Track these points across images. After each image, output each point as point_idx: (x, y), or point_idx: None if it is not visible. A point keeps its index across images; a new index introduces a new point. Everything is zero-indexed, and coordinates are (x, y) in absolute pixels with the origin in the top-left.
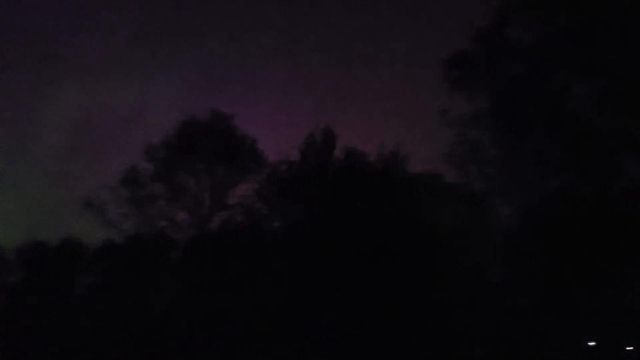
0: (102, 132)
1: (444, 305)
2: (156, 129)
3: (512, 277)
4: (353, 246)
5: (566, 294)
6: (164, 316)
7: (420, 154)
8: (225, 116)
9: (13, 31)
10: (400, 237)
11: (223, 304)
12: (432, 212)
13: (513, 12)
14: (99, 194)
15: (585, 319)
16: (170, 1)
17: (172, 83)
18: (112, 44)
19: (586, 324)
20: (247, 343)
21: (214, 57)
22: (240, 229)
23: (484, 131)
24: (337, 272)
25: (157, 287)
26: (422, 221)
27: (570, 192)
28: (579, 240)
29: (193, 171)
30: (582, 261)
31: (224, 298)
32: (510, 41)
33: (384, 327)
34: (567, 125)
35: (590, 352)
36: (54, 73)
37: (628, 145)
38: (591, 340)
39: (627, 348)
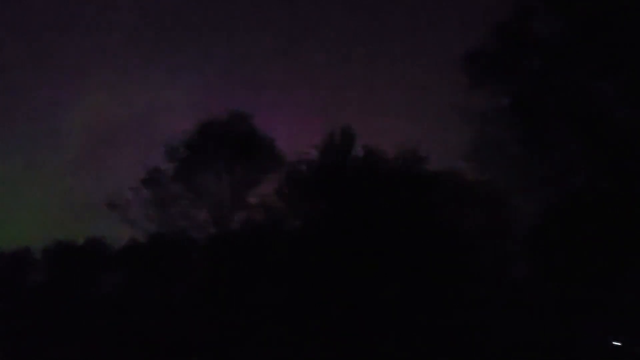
0: (124, 134)
1: (466, 303)
2: (176, 130)
3: (535, 275)
4: (373, 245)
5: (590, 292)
6: (185, 313)
7: (440, 152)
8: (245, 116)
9: (34, 37)
10: (421, 235)
11: (243, 301)
12: (452, 211)
13: (535, 3)
14: (122, 195)
15: (610, 319)
16: (190, 3)
17: (192, 84)
18: (132, 46)
19: (611, 324)
20: (267, 340)
21: (233, 59)
22: (260, 228)
23: (505, 128)
24: (357, 270)
25: (179, 285)
26: (443, 220)
27: (593, 189)
28: (603, 238)
29: (213, 171)
30: (607, 259)
31: (244, 296)
32: (532, 35)
33: (405, 325)
34: (590, 120)
35: (615, 352)
36: (75, 77)
37: None
38: (616, 340)
39: None
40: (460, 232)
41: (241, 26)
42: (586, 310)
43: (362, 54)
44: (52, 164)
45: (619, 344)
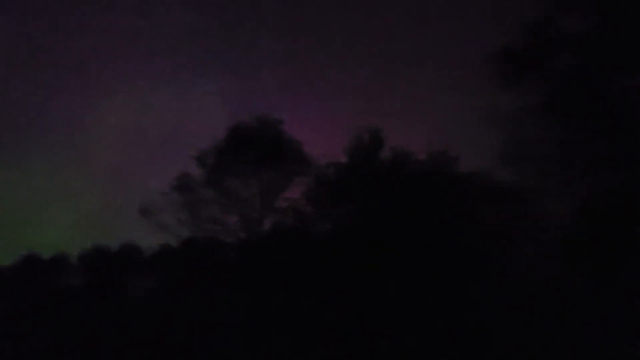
0: (154, 141)
1: (498, 305)
2: (206, 136)
3: (567, 276)
4: (403, 247)
5: (623, 295)
6: (217, 316)
7: (470, 152)
8: (273, 121)
9: (67, 44)
10: (451, 237)
11: (274, 305)
12: (483, 212)
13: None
14: (154, 201)
15: None
16: (219, 8)
17: (220, 90)
18: (162, 53)
19: None
20: (298, 343)
21: (260, 64)
22: (290, 231)
23: (536, 127)
24: (387, 273)
25: (210, 289)
26: (474, 222)
27: (627, 189)
28: (636, 239)
29: (242, 176)
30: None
31: (275, 299)
32: (563, 32)
33: (435, 326)
34: (623, 119)
35: None
36: (107, 83)
37: None
38: None
39: None
40: (491, 234)
41: (268, 33)
42: (619, 314)
43: (390, 54)
44: (86, 170)
45: None
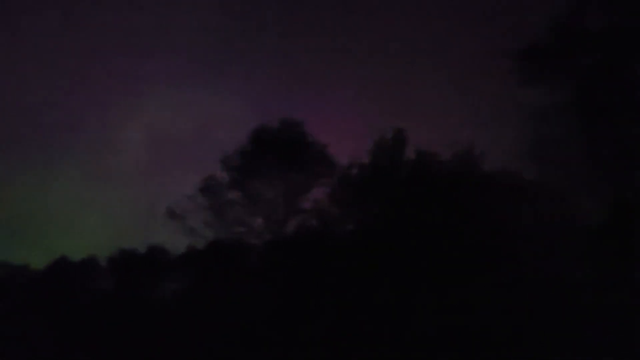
0: (180, 145)
1: (527, 306)
2: (230, 139)
3: (598, 276)
4: (427, 248)
5: None
6: (243, 317)
7: (495, 151)
8: (296, 123)
9: (96, 51)
10: (478, 238)
11: (300, 306)
12: (510, 212)
13: None
14: (180, 204)
15: None
16: (244, 10)
17: (244, 93)
18: (185, 57)
19: None
20: (323, 344)
21: (284, 66)
22: (315, 232)
23: (563, 124)
24: (412, 273)
25: (236, 290)
26: (501, 221)
27: None
28: None
29: (267, 178)
30: None
31: (300, 300)
32: (588, 28)
33: (461, 328)
34: None
35: None
36: (134, 89)
37: None
38: None
39: None
40: (519, 233)
41: (289, 35)
42: None
43: (412, 53)
44: (114, 175)
45: None
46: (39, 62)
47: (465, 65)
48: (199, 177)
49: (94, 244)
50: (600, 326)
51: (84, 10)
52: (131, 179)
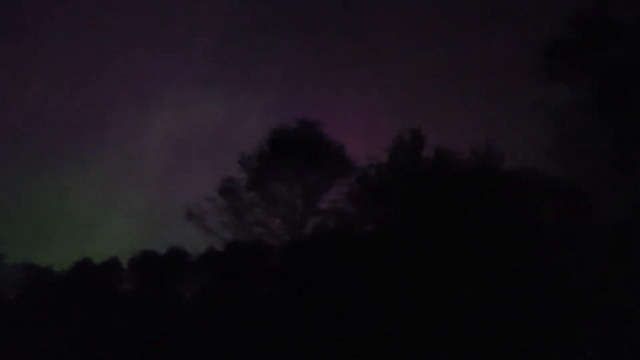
0: (198, 146)
1: (550, 306)
2: (248, 140)
3: (621, 275)
4: (447, 248)
5: None
6: (261, 318)
7: (516, 149)
8: (313, 124)
9: (116, 52)
10: (499, 237)
11: (318, 306)
12: (532, 211)
13: None
14: (200, 205)
15: None
16: (255, 14)
17: (261, 95)
18: (205, 61)
19: None
20: (343, 344)
21: (299, 67)
22: (333, 233)
23: (586, 121)
24: (432, 273)
25: (256, 291)
26: (522, 220)
27: None
28: None
29: (285, 179)
30: None
31: (319, 301)
32: (613, 24)
33: (485, 327)
34: None
35: None
36: (153, 91)
37: None
38: None
39: None
40: (541, 233)
41: (305, 37)
42: None
43: (429, 50)
44: (135, 177)
45: None
46: (61, 64)
47: (485, 61)
48: (218, 179)
49: (115, 246)
50: (622, 325)
51: (101, 10)
52: (151, 181)
